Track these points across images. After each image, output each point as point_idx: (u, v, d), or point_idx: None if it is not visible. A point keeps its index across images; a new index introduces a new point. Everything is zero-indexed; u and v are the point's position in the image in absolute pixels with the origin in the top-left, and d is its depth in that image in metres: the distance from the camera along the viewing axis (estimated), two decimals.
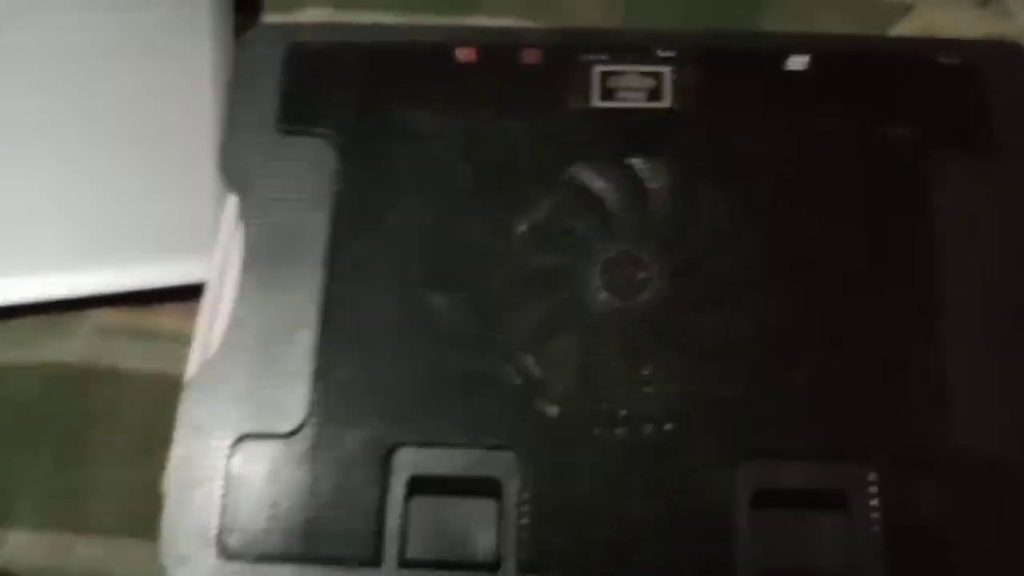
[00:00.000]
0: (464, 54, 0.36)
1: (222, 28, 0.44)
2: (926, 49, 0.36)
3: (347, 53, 0.37)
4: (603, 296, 0.34)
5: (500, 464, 0.31)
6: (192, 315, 0.36)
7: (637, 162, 0.35)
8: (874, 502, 0.30)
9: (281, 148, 0.35)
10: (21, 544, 0.37)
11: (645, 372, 0.33)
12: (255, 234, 0.34)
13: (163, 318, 0.41)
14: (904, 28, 0.43)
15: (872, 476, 0.30)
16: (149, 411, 0.39)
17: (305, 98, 0.36)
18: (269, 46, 0.37)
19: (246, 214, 0.35)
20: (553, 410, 0.32)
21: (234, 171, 0.35)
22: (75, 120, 0.42)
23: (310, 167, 0.35)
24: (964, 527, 0.30)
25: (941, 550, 0.30)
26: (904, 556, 0.30)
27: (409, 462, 0.32)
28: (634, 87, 0.36)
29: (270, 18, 0.44)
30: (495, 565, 0.31)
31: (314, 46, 0.37)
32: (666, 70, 0.36)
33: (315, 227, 0.34)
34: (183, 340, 0.37)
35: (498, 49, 0.36)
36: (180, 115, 0.41)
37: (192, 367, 0.34)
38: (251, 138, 0.36)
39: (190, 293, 0.37)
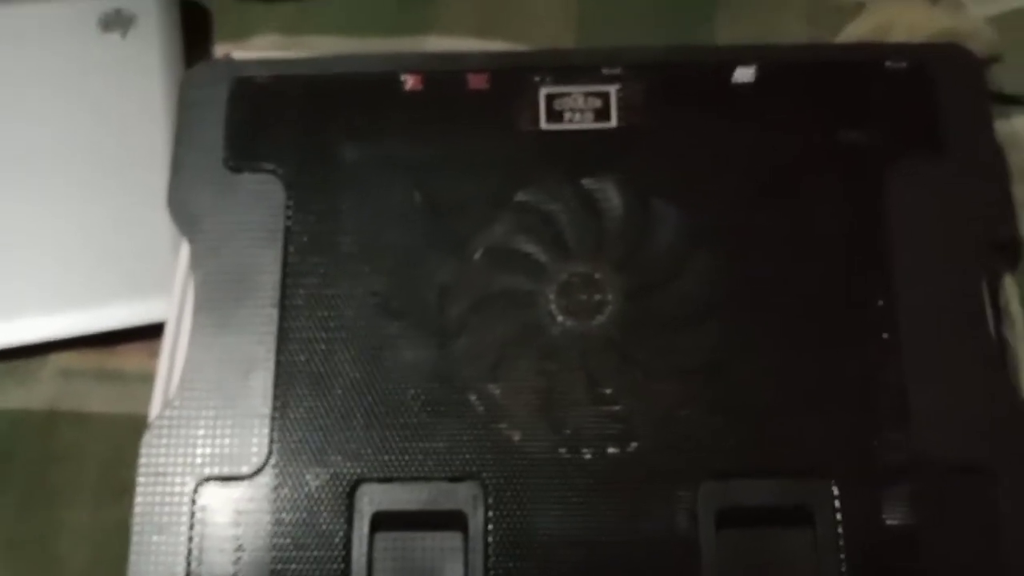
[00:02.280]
0: (410, 82, 0.36)
1: (173, 63, 0.43)
2: (873, 54, 0.36)
3: (293, 86, 0.36)
4: (561, 319, 0.33)
5: (464, 495, 0.31)
6: (157, 354, 0.35)
7: (588, 183, 0.35)
8: (838, 516, 0.30)
9: (229, 186, 0.35)
10: None
11: (607, 392, 0.32)
12: (206, 275, 0.34)
13: (128, 358, 0.41)
14: (857, 27, 0.42)
15: (834, 490, 0.30)
16: (116, 453, 0.38)
17: (252, 134, 0.36)
18: (213, 83, 0.36)
19: (196, 255, 0.35)
20: (516, 435, 0.32)
21: (183, 212, 0.35)
22: (29, 162, 0.42)
23: (259, 204, 0.35)
24: (927, 535, 0.30)
25: (906, 560, 0.30)
26: (870, 568, 0.30)
27: (372, 498, 0.32)
28: (580, 108, 0.35)
29: (220, 48, 0.44)
30: None
31: (259, 81, 0.37)
32: (612, 89, 0.36)
33: (267, 265, 0.34)
34: (149, 379, 0.36)
35: (444, 75, 0.36)
36: (136, 153, 0.41)
37: (155, 409, 0.34)
38: (199, 177, 0.35)
39: (154, 332, 0.37)
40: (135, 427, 0.35)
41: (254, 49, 0.43)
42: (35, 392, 0.40)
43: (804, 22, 0.43)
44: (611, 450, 0.32)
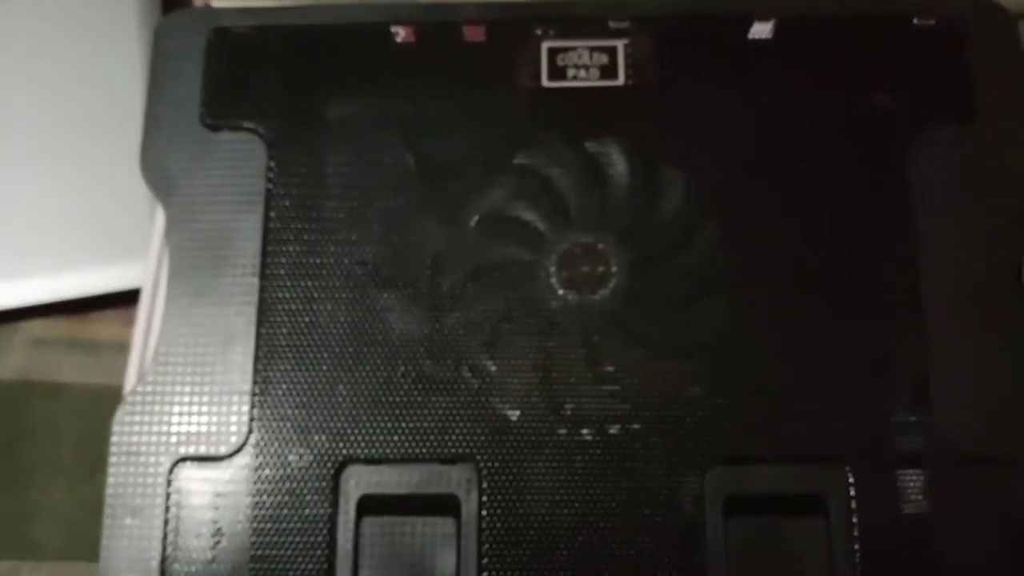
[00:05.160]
0: (402, 34, 0.34)
1: (150, 16, 0.41)
2: (900, 10, 0.33)
3: (276, 38, 0.34)
4: (561, 291, 0.31)
5: (457, 478, 0.30)
6: (131, 323, 0.33)
7: (592, 145, 0.32)
8: (852, 504, 0.29)
9: (207, 145, 0.33)
10: None
11: (609, 369, 0.31)
12: (182, 240, 0.32)
13: (102, 326, 0.39)
14: None
15: (849, 477, 0.29)
16: (90, 425, 0.37)
17: (231, 89, 0.33)
18: (188, 34, 0.34)
19: (171, 219, 0.32)
20: (513, 413, 0.30)
21: (157, 173, 0.33)
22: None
23: (239, 164, 0.33)
24: (945, 524, 0.29)
25: (920, 549, 0.29)
26: (884, 557, 0.29)
27: (359, 480, 0.30)
28: (585, 64, 0.33)
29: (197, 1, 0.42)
30: None
31: (239, 31, 0.34)
32: (619, 44, 0.33)
33: (247, 230, 0.32)
34: (123, 349, 0.35)
35: (438, 27, 0.34)
36: (112, 112, 0.39)
37: (130, 382, 0.32)
38: (173, 136, 0.33)
39: (130, 299, 0.35)
40: (110, 399, 0.34)
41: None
42: (6, 362, 0.39)
43: None
44: (613, 431, 0.30)
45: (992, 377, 0.30)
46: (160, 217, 0.34)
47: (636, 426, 0.30)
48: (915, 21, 0.33)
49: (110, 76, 0.40)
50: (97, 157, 0.39)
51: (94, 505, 0.34)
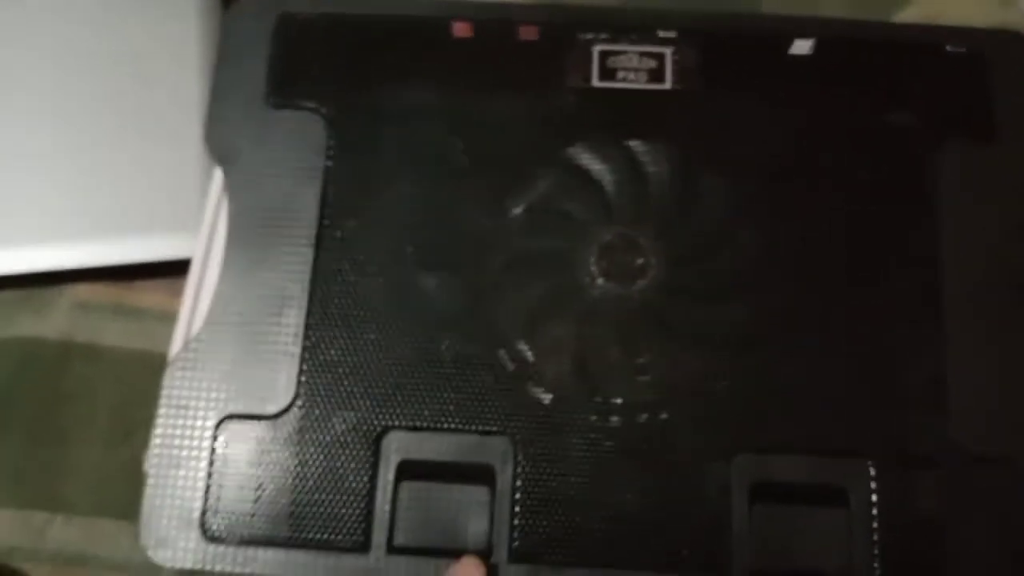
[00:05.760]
0: (460, 29, 0.35)
1: None
2: (933, 36, 0.35)
3: (338, 25, 0.36)
4: (600, 281, 0.33)
5: (493, 450, 0.31)
6: (177, 293, 0.35)
7: (636, 145, 0.34)
8: (873, 497, 0.30)
9: (269, 122, 0.34)
10: None
11: (641, 360, 0.32)
12: (241, 209, 0.33)
13: (146, 295, 0.40)
14: (906, 15, 0.42)
15: (871, 471, 0.30)
16: (129, 390, 0.38)
17: (295, 71, 0.35)
18: (258, 17, 0.36)
19: (232, 188, 0.34)
20: (547, 397, 0.32)
21: (220, 145, 0.34)
22: (58, 93, 0.41)
23: (299, 142, 0.34)
24: (962, 522, 0.30)
25: (936, 546, 0.30)
26: (901, 550, 0.30)
27: (399, 446, 0.31)
28: (635, 67, 0.35)
29: None
30: (487, 553, 0.30)
31: (304, 18, 0.36)
32: (667, 51, 0.35)
33: (304, 203, 0.33)
34: (167, 318, 0.36)
35: (495, 25, 0.35)
36: (167, 88, 0.40)
37: (176, 345, 0.33)
38: (238, 111, 0.34)
39: (175, 270, 0.36)
40: (150, 365, 0.35)
41: None
42: (50, 321, 0.39)
43: (851, 7, 0.43)
44: (642, 418, 0.31)
45: (1011, 381, 0.31)
46: (215, 188, 0.35)
47: (664, 415, 0.31)
48: (948, 48, 0.35)
49: (168, 56, 0.41)
50: (152, 135, 0.40)
51: (127, 466, 0.35)
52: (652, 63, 0.35)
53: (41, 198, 0.39)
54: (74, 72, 0.41)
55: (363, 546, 0.30)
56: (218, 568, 0.30)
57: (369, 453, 0.31)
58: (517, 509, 0.30)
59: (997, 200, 0.33)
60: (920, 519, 0.30)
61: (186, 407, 0.32)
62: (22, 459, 0.37)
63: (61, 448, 0.37)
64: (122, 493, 0.35)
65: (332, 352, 0.32)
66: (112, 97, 0.40)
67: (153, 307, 0.39)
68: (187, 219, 0.36)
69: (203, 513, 0.31)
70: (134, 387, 0.38)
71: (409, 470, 0.31)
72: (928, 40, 0.35)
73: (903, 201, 0.33)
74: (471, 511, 0.30)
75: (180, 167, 0.38)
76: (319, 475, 0.31)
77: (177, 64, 0.40)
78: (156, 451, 0.31)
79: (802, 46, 0.35)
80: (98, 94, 0.40)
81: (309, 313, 0.32)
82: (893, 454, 0.30)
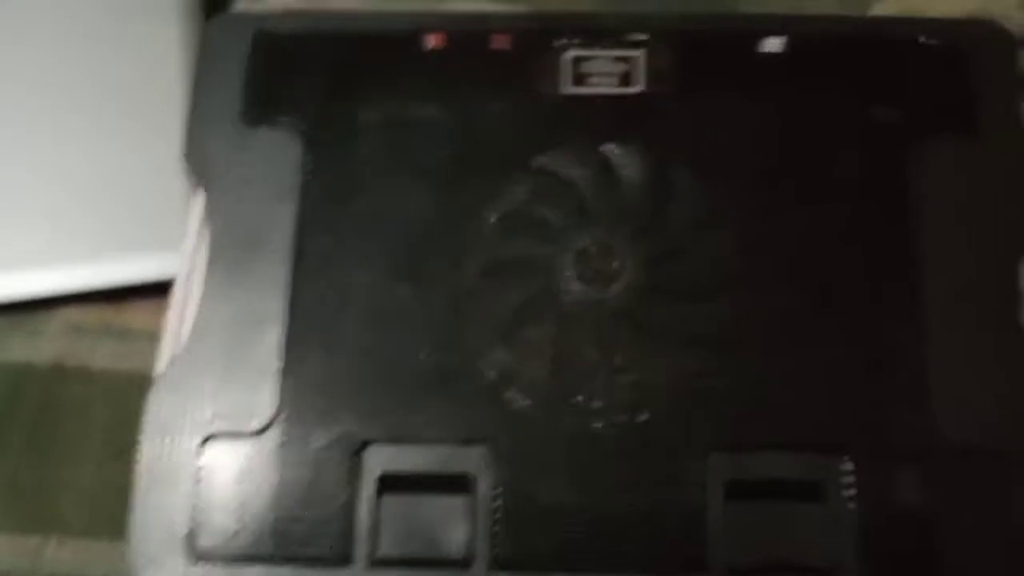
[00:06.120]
0: (432, 40, 0.35)
1: (192, 15, 0.43)
2: (907, 30, 0.35)
3: (313, 42, 0.36)
4: (576, 286, 0.33)
5: (472, 459, 0.31)
6: (164, 312, 0.35)
7: (610, 149, 0.34)
8: (850, 492, 0.30)
9: (246, 140, 0.35)
10: None
11: (618, 362, 0.32)
12: (221, 228, 0.34)
13: (135, 315, 0.40)
14: (885, 8, 0.42)
15: (848, 466, 0.30)
16: (120, 410, 0.38)
17: (270, 88, 0.35)
18: (234, 35, 0.36)
19: (211, 208, 0.34)
20: (525, 402, 0.32)
21: (199, 164, 0.35)
22: (41, 113, 0.41)
23: (276, 158, 0.34)
24: (941, 518, 0.30)
25: (918, 541, 0.29)
26: (880, 547, 0.29)
27: (379, 459, 0.31)
28: (606, 72, 0.35)
29: (240, 6, 0.43)
30: (467, 562, 0.30)
31: (280, 35, 0.36)
32: (639, 54, 0.35)
33: (281, 220, 0.33)
34: (155, 337, 0.36)
35: (467, 35, 0.35)
36: (150, 107, 0.41)
37: (161, 365, 0.34)
38: (215, 130, 0.35)
39: (162, 290, 0.36)
40: (140, 385, 0.35)
41: (275, 3, 0.43)
42: (41, 346, 0.40)
43: (830, 0, 0.43)
44: (621, 419, 0.31)
45: (991, 374, 0.31)
46: (197, 208, 0.35)
47: (644, 415, 0.31)
48: (921, 40, 0.35)
49: (151, 75, 0.41)
50: (135, 155, 0.41)
51: (120, 486, 0.36)
52: (623, 67, 0.35)
53: (27, 222, 0.39)
54: (56, 95, 0.41)
55: (346, 560, 0.30)
56: None
57: (350, 467, 0.31)
58: (497, 516, 0.30)
59: (977, 192, 0.33)
60: (902, 514, 0.30)
61: (170, 427, 0.32)
62: (16, 481, 0.37)
63: (54, 469, 0.38)
64: (114, 513, 0.36)
65: (311, 367, 0.32)
66: (94, 115, 0.41)
67: (142, 327, 0.40)
68: (174, 238, 0.37)
69: (189, 533, 0.31)
70: (125, 407, 0.38)
71: (389, 483, 0.31)
72: (902, 33, 0.35)
73: (881, 197, 0.33)
74: (452, 521, 0.30)
75: (167, 187, 0.38)
76: (301, 490, 0.31)
77: (161, 85, 0.41)
78: (142, 472, 0.32)
79: (775, 44, 0.35)
80: (80, 112, 0.41)
81: (288, 329, 0.32)
82: (873, 449, 0.30)
